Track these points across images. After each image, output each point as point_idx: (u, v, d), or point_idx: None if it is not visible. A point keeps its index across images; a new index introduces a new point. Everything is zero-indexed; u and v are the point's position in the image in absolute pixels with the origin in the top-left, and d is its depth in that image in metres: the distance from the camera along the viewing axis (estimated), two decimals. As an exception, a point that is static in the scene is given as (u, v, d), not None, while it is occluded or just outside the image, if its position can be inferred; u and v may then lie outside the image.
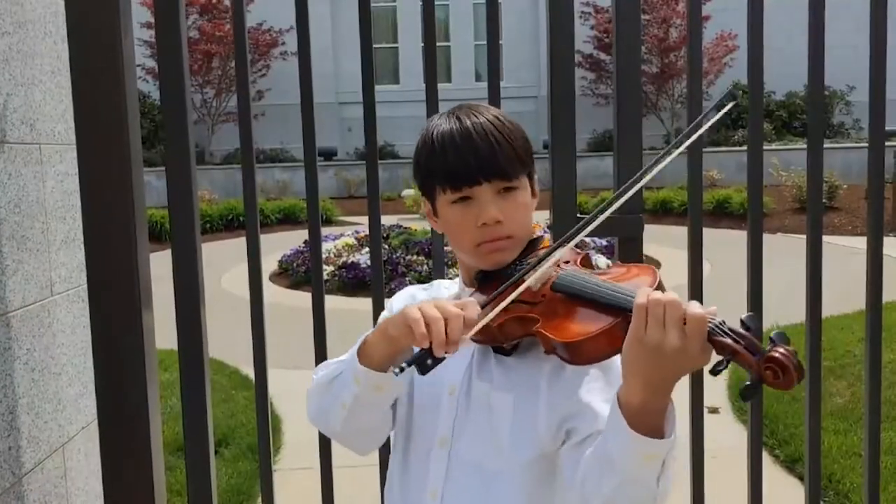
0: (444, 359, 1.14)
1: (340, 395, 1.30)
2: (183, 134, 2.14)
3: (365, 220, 2.50)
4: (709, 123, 1.22)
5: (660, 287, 1.17)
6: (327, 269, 9.54)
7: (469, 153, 1.28)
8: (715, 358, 1.05)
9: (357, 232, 11.37)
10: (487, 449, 1.30)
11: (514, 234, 1.32)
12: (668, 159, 1.21)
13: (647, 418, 1.08)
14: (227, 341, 4.79)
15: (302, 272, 9.47)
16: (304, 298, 7.72)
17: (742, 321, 1.04)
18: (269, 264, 10.18)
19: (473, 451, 1.31)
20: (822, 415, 4.39)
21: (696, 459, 2.30)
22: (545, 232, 1.40)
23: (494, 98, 2.20)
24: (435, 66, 2.25)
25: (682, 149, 1.22)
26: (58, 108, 2.06)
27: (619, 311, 1.13)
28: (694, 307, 1.04)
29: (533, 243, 1.36)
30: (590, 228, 1.24)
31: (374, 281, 2.30)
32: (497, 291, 1.22)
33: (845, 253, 8.80)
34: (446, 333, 1.13)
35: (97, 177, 2.10)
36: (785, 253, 7.40)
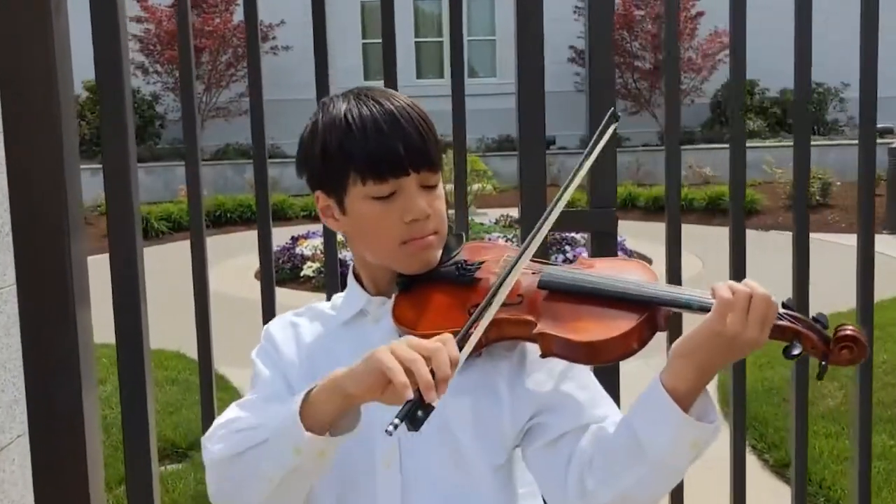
0: (433, 408, 0.95)
1: (264, 468, 1.08)
2: (121, 121, 2.04)
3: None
4: (600, 145, 1.18)
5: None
6: (314, 266, 9.48)
7: (398, 139, 1.15)
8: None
9: (345, 229, 11.28)
10: (444, 462, 1.17)
11: (439, 230, 1.22)
12: (574, 184, 1.16)
13: (687, 404, 1.05)
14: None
15: (287, 269, 9.39)
16: (288, 295, 7.59)
17: (784, 304, 1.06)
18: (254, 261, 10.05)
19: (429, 468, 1.17)
20: (814, 417, 4.26)
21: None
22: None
23: (459, 93, 2.29)
24: (394, 62, 2.29)
25: (583, 173, 1.16)
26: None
27: (639, 306, 1.08)
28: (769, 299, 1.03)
29: (448, 242, 1.26)
30: (544, 232, 1.15)
31: (328, 280, 2.20)
32: (481, 306, 1.08)
33: (839, 250, 8.68)
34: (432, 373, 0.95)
35: (25, 170, 1.97)
36: (779, 250, 7.28)
